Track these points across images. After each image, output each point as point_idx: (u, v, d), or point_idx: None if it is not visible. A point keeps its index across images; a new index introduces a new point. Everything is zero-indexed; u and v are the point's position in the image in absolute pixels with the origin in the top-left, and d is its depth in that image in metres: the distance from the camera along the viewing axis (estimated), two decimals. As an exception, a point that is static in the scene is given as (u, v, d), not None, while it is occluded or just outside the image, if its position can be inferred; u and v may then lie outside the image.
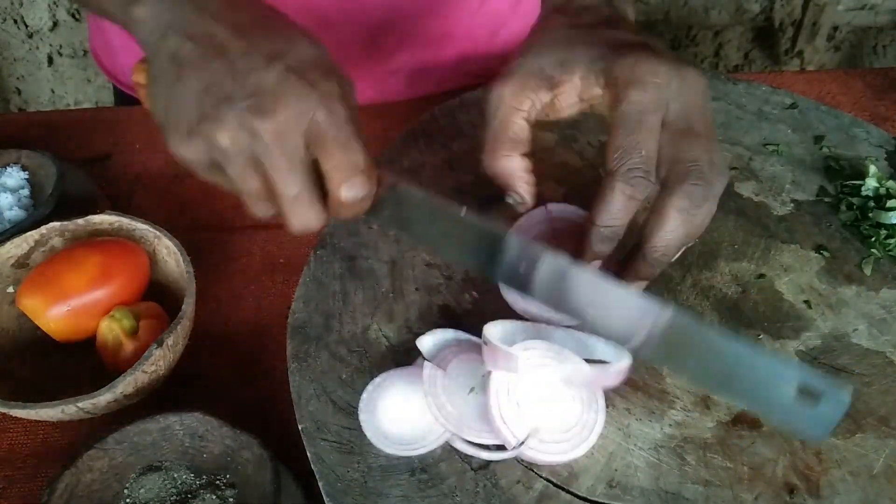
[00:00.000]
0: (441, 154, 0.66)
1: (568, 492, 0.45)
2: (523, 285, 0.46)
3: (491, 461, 0.46)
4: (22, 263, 0.57)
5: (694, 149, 0.43)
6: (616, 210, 0.44)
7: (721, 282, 0.56)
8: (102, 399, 0.48)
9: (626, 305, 0.43)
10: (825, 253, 0.58)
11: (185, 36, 0.42)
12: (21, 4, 1.80)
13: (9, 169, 0.65)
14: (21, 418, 0.53)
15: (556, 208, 0.53)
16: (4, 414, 0.53)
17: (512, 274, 0.46)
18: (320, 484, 0.45)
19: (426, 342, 0.50)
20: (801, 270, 0.57)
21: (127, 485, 0.48)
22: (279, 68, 0.41)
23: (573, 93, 0.46)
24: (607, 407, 0.47)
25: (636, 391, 0.49)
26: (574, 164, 0.65)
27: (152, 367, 0.50)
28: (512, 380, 0.46)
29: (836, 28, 1.93)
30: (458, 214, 0.44)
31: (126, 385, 0.49)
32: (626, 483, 0.45)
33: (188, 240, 0.58)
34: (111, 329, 0.52)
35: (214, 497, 0.47)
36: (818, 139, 0.67)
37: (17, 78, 1.92)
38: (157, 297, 0.57)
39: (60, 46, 1.87)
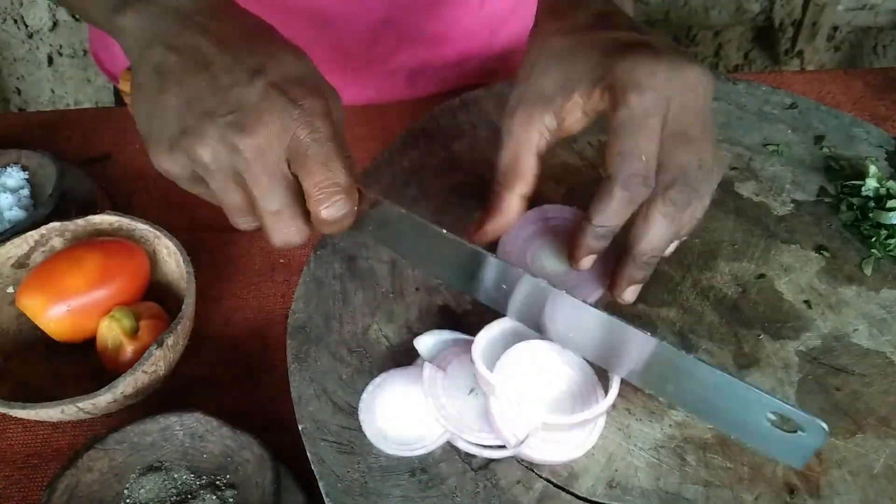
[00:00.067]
0: (441, 154, 0.66)
1: (568, 492, 0.45)
2: (503, 305, 0.47)
3: (491, 462, 0.46)
4: (22, 263, 0.57)
5: (683, 154, 0.43)
6: (613, 212, 0.44)
7: (721, 282, 0.56)
8: (102, 399, 0.48)
9: (608, 331, 0.44)
10: (825, 253, 0.58)
11: (169, 48, 0.42)
12: (21, 4, 1.80)
13: (9, 169, 0.65)
14: (21, 418, 0.53)
15: (550, 209, 0.54)
16: (4, 414, 0.53)
17: (492, 293, 0.46)
18: (320, 484, 0.45)
19: (425, 343, 0.50)
20: (801, 270, 0.57)
21: (127, 485, 0.48)
22: (261, 84, 0.41)
23: (577, 111, 0.47)
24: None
25: (636, 391, 0.49)
26: (574, 164, 0.65)
27: (152, 368, 0.50)
28: (513, 379, 0.46)
29: (836, 28, 1.93)
30: (440, 233, 0.44)
31: (126, 385, 0.49)
32: (627, 483, 0.45)
33: (188, 240, 0.58)
34: (111, 329, 0.52)
35: (214, 497, 0.47)
36: (818, 139, 0.67)
37: (17, 78, 1.92)
38: (157, 297, 0.57)
39: (60, 46, 1.87)
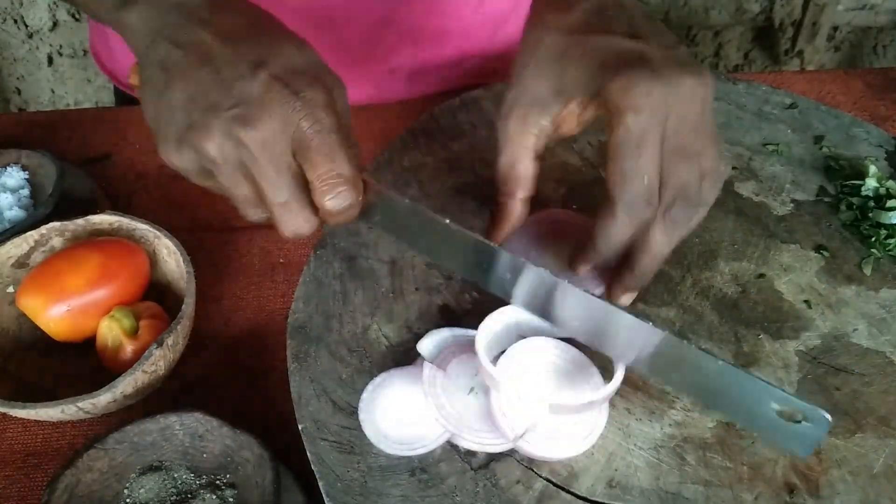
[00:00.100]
0: (441, 154, 0.66)
1: (568, 492, 0.45)
2: (509, 294, 0.47)
3: (491, 461, 0.46)
4: (22, 263, 0.57)
5: (684, 170, 0.43)
6: (616, 234, 0.44)
7: (721, 282, 0.56)
8: (102, 399, 0.48)
9: (613, 322, 0.44)
10: (825, 253, 0.58)
11: (173, 43, 0.43)
12: (21, 4, 1.80)
13: (9, 169, 0.65)
14: (21, 418, 0.53)
15: (555, 213, 0.54)
16: (4, 414, 0.53)
17: (498, 283, 0.46)
18: (320, 484, 0.45)
19: (426, 344, 0.50)
20: (801, 270, 0.57)
21: (127, 485, 0.48)
22: (263, 77, 0.41)
23: (572, 119, 0.47)
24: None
25: (636, 391, 0.49)
26: (574, 164, 0.65)
27: (152, 367, 0.50)
28: (516, 371, 0.46)
29: (836, 28, 1.93)
30: (444, 223, 0.45)
31: (126, 385, 0.49)
32: (626, 483, 0.45)
33: (188, 240, 0.58)
34: (111, 329, 0.52)
35: (214, 497, 0.47)
36: (818, 139, 0.67)
37: (17, 78, 1.92)
38: (157, 297, 0.57)
39: (60, 46, 1.87)
